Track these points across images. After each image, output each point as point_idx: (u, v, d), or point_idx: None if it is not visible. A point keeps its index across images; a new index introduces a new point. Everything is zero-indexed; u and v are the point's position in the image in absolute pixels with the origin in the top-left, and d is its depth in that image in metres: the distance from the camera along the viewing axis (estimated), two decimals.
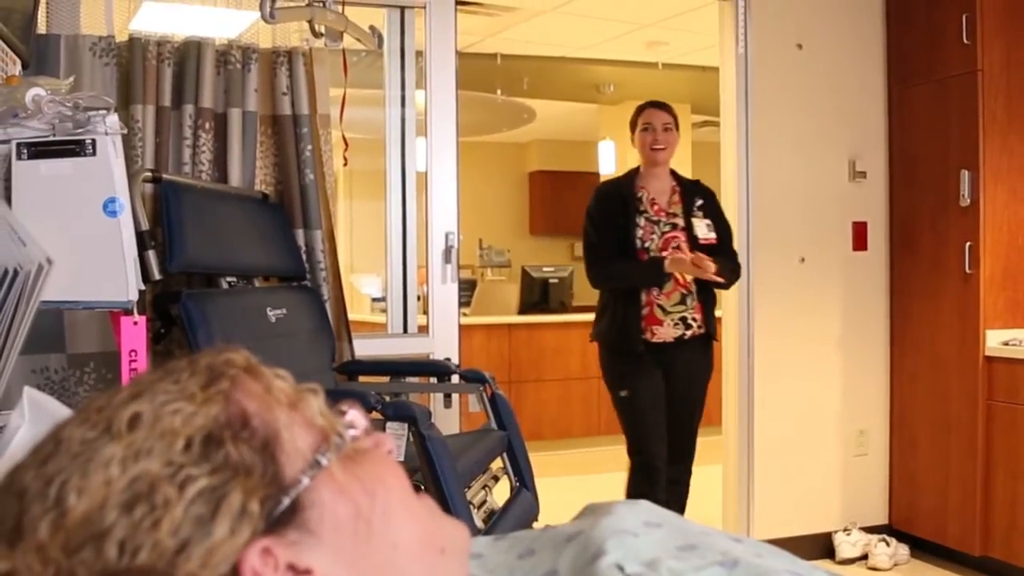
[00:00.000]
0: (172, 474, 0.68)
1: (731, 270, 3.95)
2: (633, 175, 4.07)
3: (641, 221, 3.91)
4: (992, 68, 4.05)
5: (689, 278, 3.86)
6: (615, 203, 3.96)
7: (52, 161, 1.51)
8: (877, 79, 4.57)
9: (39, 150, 1.51)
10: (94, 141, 1.50)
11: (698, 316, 3.90)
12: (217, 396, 0.74)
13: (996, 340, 4.01)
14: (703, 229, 3.92)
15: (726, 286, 4.03)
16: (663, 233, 3.90)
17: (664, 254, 3.84)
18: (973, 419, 4.01)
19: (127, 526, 0.66)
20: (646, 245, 3.88)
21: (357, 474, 0.77)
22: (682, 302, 3.88)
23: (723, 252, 3.93)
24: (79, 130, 1.50)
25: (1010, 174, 4.07)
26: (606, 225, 3.95)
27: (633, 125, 4.06)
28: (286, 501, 0.72)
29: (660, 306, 3.86)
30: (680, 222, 3.92)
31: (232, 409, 0.73)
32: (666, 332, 3.87)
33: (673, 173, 4.05)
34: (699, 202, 3.99)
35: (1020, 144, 4.09)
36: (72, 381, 3.13)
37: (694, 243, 3.86)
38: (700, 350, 3.99)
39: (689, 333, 3.89)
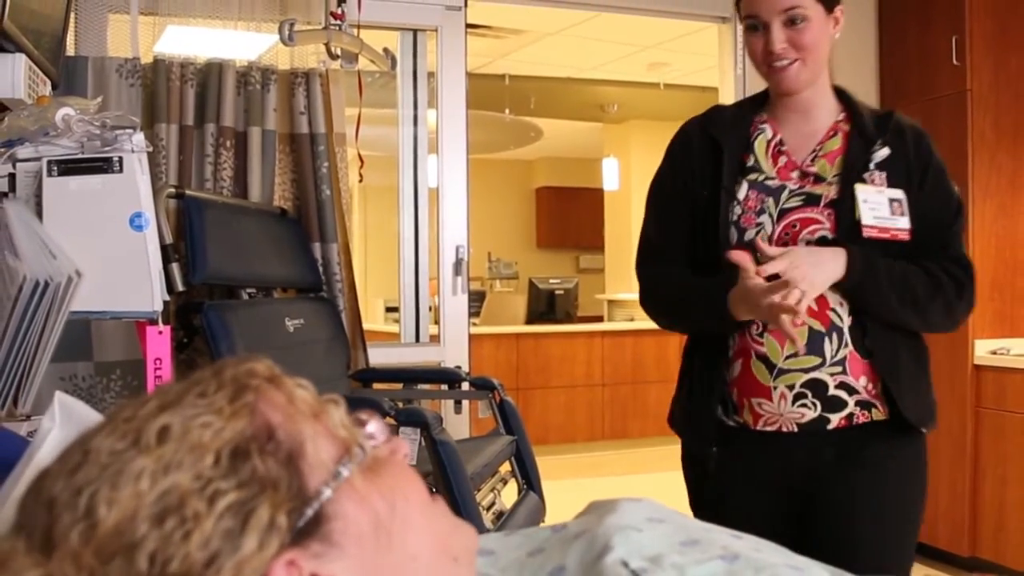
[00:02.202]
0: (201, 488, 0.67)
1: (916, 299, 1.89)
2: (759, 102, 2.07)
3: (743, 188, 1.94)
4: (981, 88, 4.05)
5: (830, 301, 1.86)
6: (699, 154, 2.02)
7: (81, 178, 1.52)
8: (870, 98, 4.56)
9: (68, 167, 1.52)
10: (121, 159, 1.51)
11: (860, 380, 1.87)
12: (243, 409, 0.73)
13: (984, 349, 3.99)
14: (876, 209, 1.88)
15: (921, 325, 1.97)
16: (783, 212, 1.91)
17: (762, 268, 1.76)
18: (963, 425, 4.00)
19: (158, 539, 0.66)
20: (745, 238, 1.91)
21: (377, 484, 0.76)
22: (816, 349, 1.85)
23: (919, 255, 1.92)
24: (107, 148, 1.51)
25: (999, 190, 4.06)
26: (672, 196, 2.05)
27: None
28: (310, 513, 0.71)
29: (763, 358, 1.89)
30: (830, 191, 1.90)
31: (258, 422, 0.73)
32: (780, 410, 1.88)
33: (841, 96, 2.04)
34: (882, 153, 1.93)
35: (1008, 161, 4.09)
36: (99, 388, 3.14)
37: (851, 235, 1.86)
38: (871, 453, 1.90)
39: (836, 417, 1.87)
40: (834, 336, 1.87)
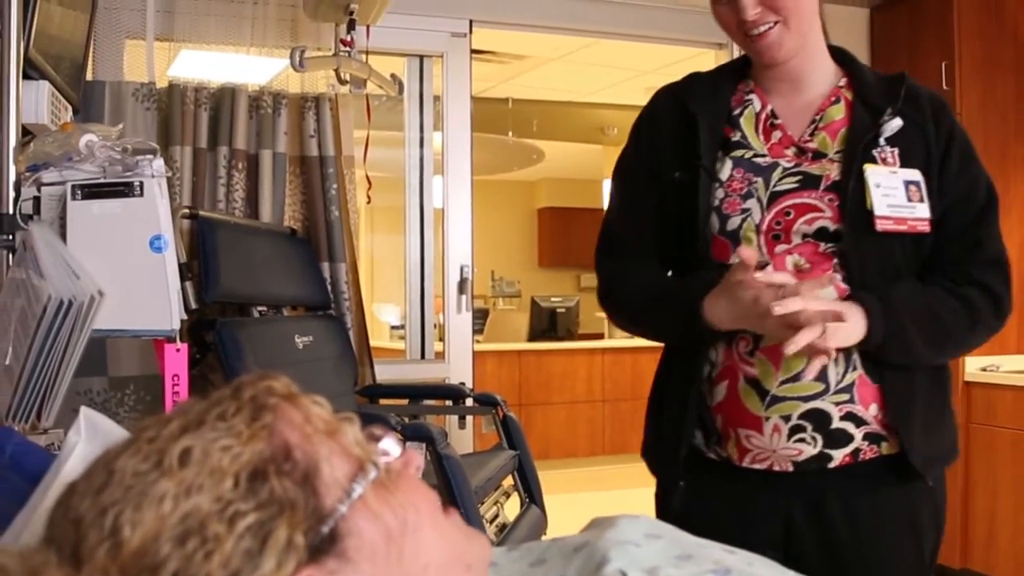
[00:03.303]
0: (221, 510, 0.68)
1: (949, 338, 1.58)
2: (741, 68, 1.71)
3: (726, 166, 1.60)
4: (970, 112, 4.07)
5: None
6: (671, 129, 1.67)
7: (103, 201, 1.54)
8: None
9: (91, 191, 1.54)
10: (142, 183, 1.54)
11: (871, 408, 1.52)
12: (262, 432, 0.74)
13: (975, 366, 4.00)
14: (891, 195, 1.52)
15: (954, 357, 1.67)
16: (774, 196, 1.55)
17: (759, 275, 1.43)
18: None
19: (180, 558, 0.67)
20: (728, 227, 1.56)
21: (389, 501, 0.77)
22: (819, 374, 1.48)
23: (943, 259, 1.58)
24: (128, 173, 1.53)
25: None
26: (639, 179, 1.70)
27: None
28: (325, 531, 0.72)
29: (754, 382, 1.53)
30: (832, 171, 1.55)
31: (275, 442, 0.74)
32: (772, 445, 1.53)
33: (840, 58, 1.69)
34: (894, 125, 1.56)
35: (997, 183, 4.01)
36: (113, 402, 3.16)
37: (859, 226, 1.51)
38: (873, 498, 1.56)
39: (840, 453, 1.53)
40: (840, 358, 1.49)
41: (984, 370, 3.98)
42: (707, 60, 4.72)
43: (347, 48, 3.27)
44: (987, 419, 3.93)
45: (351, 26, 3.25)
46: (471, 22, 3.99)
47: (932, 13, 4.17)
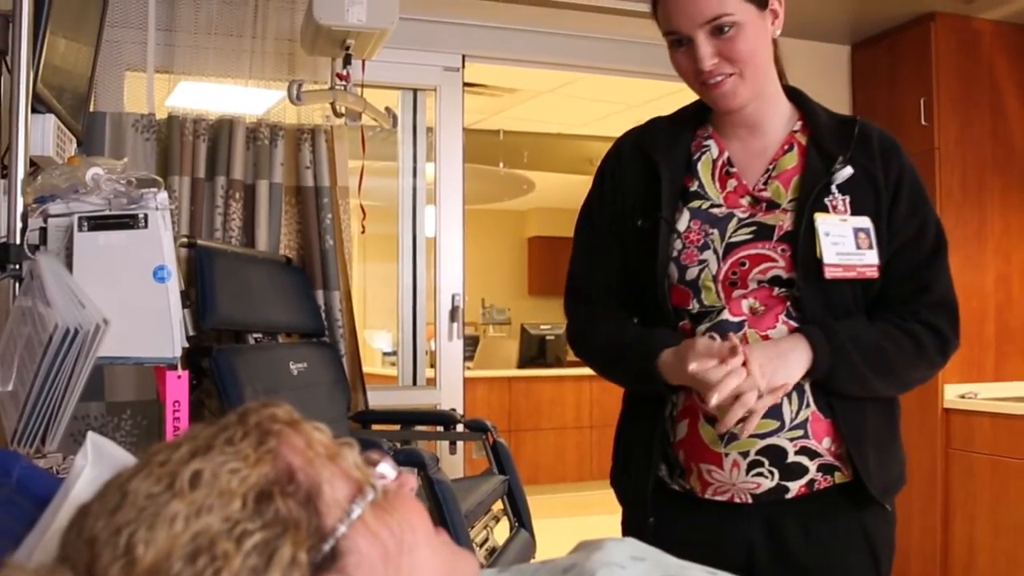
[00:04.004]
0: (230, 529, 0.71)
1: (894, 370, 1.61)
2: (701, 113, 1.74)
3: (684, 217, 1.63)
4: (948, 146, 4.14)
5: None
6: (634, 176, 1.71)
7: (108, 233, 1.56)
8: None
9: (97, 223, 1.57)
10: (146, 215, 1.56)
11: (824, 442, 1.57)
12: (267, 456, 0.77)
13: (954, 394, 4.04)
14: (840, 243, 1.56)
15: (900, 391, 1.69)
16: (730, 247, 1.59)
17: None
18: (933, 466, 4.04)
19: (191, 575, 0.69)
20: (687, 277, 1.60)
21: (387, 521, 0.80)
22: (774, 412, 1.53)
23: (892, 298, 1.61)
24: (132, 205, 1.56)
25: (965, 243, 4.13)
26: (601, 228, 1.74)
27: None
28: (327, 549, 0.75)
29: (713, 421, 1.55)
30: (785, 221, 1.57)
31: (280, 465, 0.77)
32: (732, 479, 1.57)
33: (796, 99, 1.70)
34: (844, 172, 1.58)
35: (974, 216, 4.17)
36: (110, 427, 3.17)
37: (810, 274, 1.55)
38: (830, 523, 1.61)
39: (796, 485, 1.57)
40: (794, 396, 1.54)
41: (963, 397, 4.02)
42: (691, 96, 4.76)
43: (343, 82, 3.30)
44: (965, 445, 3.97)
45: (347, 60, 3.28)
46: (463, 57, 4.04)
47: (911, 51, 4.24)
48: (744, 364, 1.43)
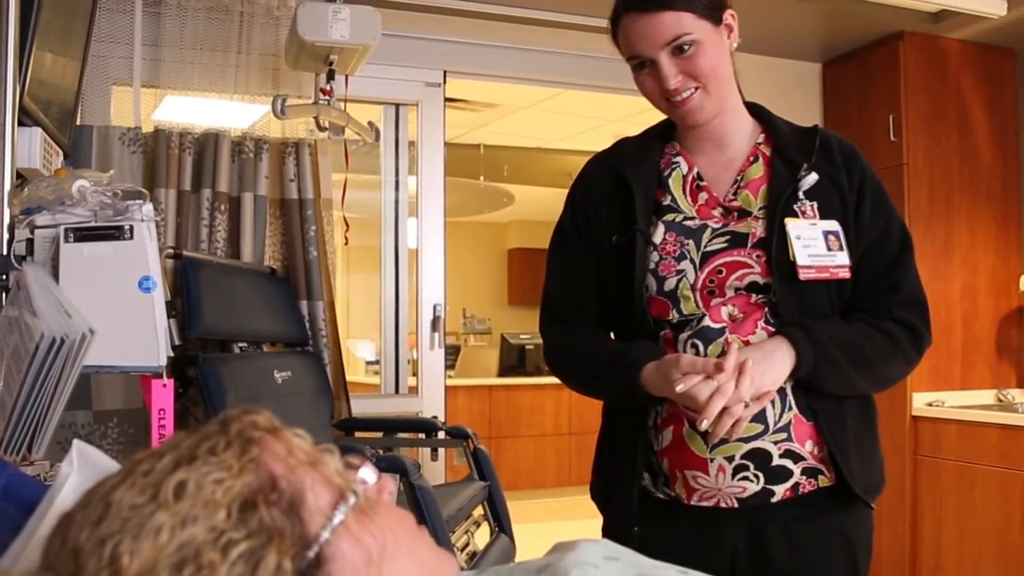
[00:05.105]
0: (215, 539, 0.70)
1: (873, 367, 1.63)
2: (667, 131, 1.78)
3: (659, 230, 1.65)
4: (916, 162, 4.17)
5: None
6: (605, 195, 1.73)
7: (94, 244, 1.56)
8: None
9: (83, 234, 1.56)
10: (132, 227, 1.55)
11: (806, 444, 1.58)
12: (250, 465, 0.76)
13: (922, 401, 4.07)
14: (811, 246, 1.59)
15: (879, 389, 1.70)
16: (706, 256, 1.61)
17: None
18: (902, 472, 4.06)
19: None
20: (666, 288, 1.61)
21: (369, 526, 0.79)
22: (757, 416, 1.54)
23: (864, 299, 1.65)
24: (118, 217, 1.55)
25: (933, 255, 4.17)
26: (575, 249, 1.75)
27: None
28: (311, 555, 0.74)
29: (695, 426, 1.51)
30: (757, 228, 1.61)
31: (263, 474, 0.76)
32: (718, 484, 1.58)
33: (757, 113, 1.74)
34: (809, 180, 1.63)
35: (941, 229, 4.20)
36: (97, 435, 3.15)
37: (786, 278, 1.57)
38: (811, 524, 1.62)
39: (781, 488, 1.59)
40: (776, 400, 1.56)
41: (930, 405, 4.05)
42: None
43: (327, 96, 3.30)
44: (933, 451, 4.00)
45: (330, 76, 3.29)
46: (445, 72, 4.05)
47: (880, 69, 4.28)
48: (740, 372, 1.45)
